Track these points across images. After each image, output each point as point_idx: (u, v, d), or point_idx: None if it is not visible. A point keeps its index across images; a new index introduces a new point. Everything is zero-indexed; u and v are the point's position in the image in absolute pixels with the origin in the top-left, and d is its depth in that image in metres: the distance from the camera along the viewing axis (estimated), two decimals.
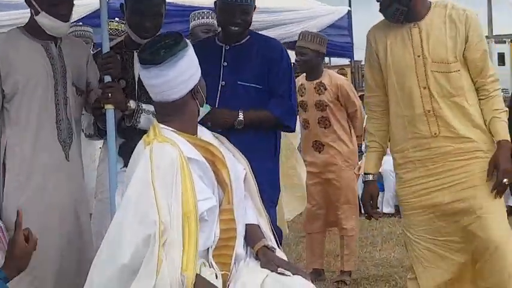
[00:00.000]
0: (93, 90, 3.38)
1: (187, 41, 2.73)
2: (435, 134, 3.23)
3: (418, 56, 3.23)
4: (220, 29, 3.63)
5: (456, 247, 3.26)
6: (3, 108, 3.14)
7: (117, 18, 5.65)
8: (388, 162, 7.45)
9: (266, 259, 2.67)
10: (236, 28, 3.43)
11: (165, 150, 2.54)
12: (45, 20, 3.17)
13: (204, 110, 2.77)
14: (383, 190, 7.93)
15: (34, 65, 3.17)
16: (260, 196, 2.88)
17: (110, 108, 3.21)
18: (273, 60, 3.50)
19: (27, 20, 3.28)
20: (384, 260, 5.97)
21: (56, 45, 3.25)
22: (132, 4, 3.39)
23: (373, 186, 3.47)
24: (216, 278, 2.52)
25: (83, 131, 3.56)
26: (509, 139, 3.19)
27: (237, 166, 2.80)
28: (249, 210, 2.82)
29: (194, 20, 4.83)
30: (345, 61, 15.33)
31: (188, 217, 2.45)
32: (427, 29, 3.25)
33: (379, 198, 7.99)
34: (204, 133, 2.81)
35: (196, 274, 2.41)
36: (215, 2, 3.56)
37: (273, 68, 3.49)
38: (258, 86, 3.46)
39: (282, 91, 3.49)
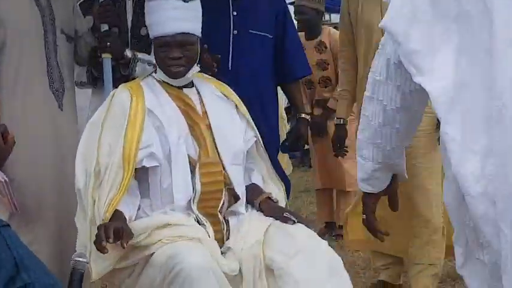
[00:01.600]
0: (82, 37, 3.34)
1: None
2: None
3: None
4: None
5: None
6: None
7: None
8: None
9: (270, 208, 2.70)
10: None
11: (121, 96, 2.65)
12: None
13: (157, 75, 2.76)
14: None
15: (22, 15, 3.10)
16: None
17: (107, 57, 3.18)
18: (280, 9, 3.59)
19: None
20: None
21: None
22: None
23: (343, 129, 3.95)
24: (200, 224, 2.54)
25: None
26: None
27: (237, 128, 2.80)
28: (254, 174, 2.85)
29: None
30: (337, 19, 15.16)
31: (128, 164, 2.49)
32: None
33: None
34: (204, 88, 2.80)
35: (113, 213, 2.43)
36: None
37: (281, 16, 3.57)
38: (268, 35, 3.52)
39: (293, 44, 3.64)
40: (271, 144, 3.44)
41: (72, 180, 2.75)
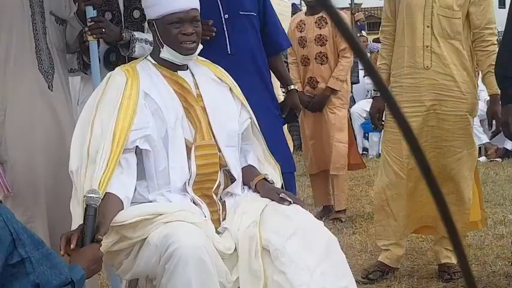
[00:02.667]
0: (67, 21, 3.29)
1: None
2: (427, 67, 3.70)
3: None
4: None
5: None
6: None
7: None
8: None
9: (266, 189, 2.70)
10: None
11: (116, 78, 2.65)
12: None
13: (161, 54, 2.71)
14: (380, 131, 7.95)
15: None
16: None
17: (92, 40, 3.14)
18: None
19: None
20: None
21: None
22: None
23: (381, 102, 3.93)
24: (195, 204, 2.55)
25: None
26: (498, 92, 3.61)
27: (232, 110, 2.79)
28: (249, 155, 2.85)
29: None
30: (345, 3, 15.22)
31: (117, 143, 2.48)
32: None
33: (377, 139, 8.14)
34: (199, 70, 2.79)
35: (106, 193, 2.41)
36: None
37: None
38: (254, 13, 3.54)
39: (274, 18, 3.67)
40: (277, 116, 3.57)
41: (67, 160, 2.76)
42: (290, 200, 2.61)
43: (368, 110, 8.07)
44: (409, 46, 3.73)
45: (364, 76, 8.45)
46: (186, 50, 2.68)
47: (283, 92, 4.01)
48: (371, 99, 8.28)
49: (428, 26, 3.68)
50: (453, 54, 3.69)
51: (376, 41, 9.43)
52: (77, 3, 3.25)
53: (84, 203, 2.28)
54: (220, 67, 2.90)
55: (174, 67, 2.74)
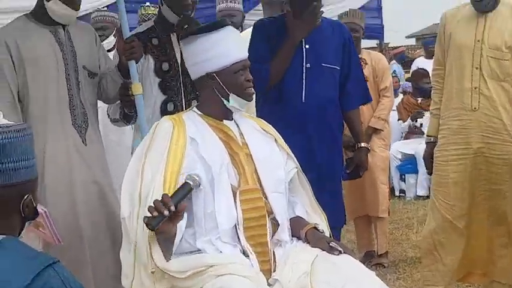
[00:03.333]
0: (107, 74, 3.33)
1: (227, 27, 2.75)
2: (475, 108, 3.67)
3: (478, 41, 3.68)
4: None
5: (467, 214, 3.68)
6: (19, 100, 3.13)
7: (148, 3, 5.65)
8: (422, 145, 7.50)
9: (316, 238, 2.66)
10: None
11: (163, 125, 2.69)
12: (55, 7, 3.13)
13: (231, 104, 2.74)
14: (417, 172, 7.86)
15: (43, 52, 3.13)
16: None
17: (139, 94, 3.18)
18: (346, 41, 3.69)
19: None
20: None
21: (64, 30, 3.21)
22: None
23: (433, 147, 3.90)
24: (245, 255, 2.53)
25: (108, 116, 3.54)
26: None
27: (278, 159, 2.79)
28: (297, 207, 2.84)
29: (219, 3, 4.89)
30: (372, 43, 15.24)
31: (169, 186, 2.50)
32: (492, 19, 3.68)
33: (413, 181, 8.02)
34: (243, 121, 2.81)
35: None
36: None
37: (347, 49, 3.68)
38: (337, 67, 3.62)
39: (356, 72, 3.75)
40: (337, 172, 3.63)
41: (104, 208, 2.83)
42: (340, 249, 2.57)
43: (402, 151, 8.11)
44: (457, 88, 3.72)
45: (398, 120, 8.39)
46: (249, 95, 2.77)
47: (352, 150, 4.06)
48: (405, 141, 8.28)
49: (477, 68, 3.66)
50: (502, 96, 3.65)
51: (409, 80, 9.40)
52: (117, 55, 3.31)
53: (185, 178, 2.45)
54: (263, 120, 2.93)
55: (220, 117, 2.75)
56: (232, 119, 2.79)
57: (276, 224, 2.67)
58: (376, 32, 8.43)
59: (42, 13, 3.17)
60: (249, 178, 2.65)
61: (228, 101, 2.72)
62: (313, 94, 3.51)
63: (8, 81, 3.10)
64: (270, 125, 2.90)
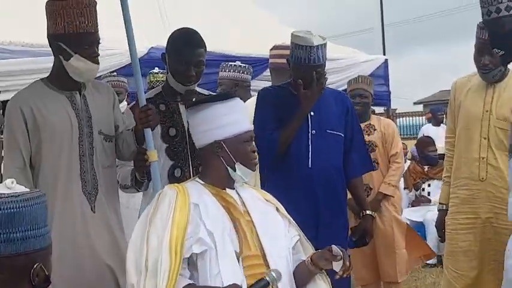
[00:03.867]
0: (122, 133, 3.32)
1: (236, 99, 2.82)
2: (482, 178, 3.69)
3: (486, 111, 3.71)
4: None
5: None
6: (31, 165, 3.11)
7: (156, 68, 5.70)
8: (430, 212, 7.44)
9: (318, 254, 2.70)
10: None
11: (167, 193, 2.71)
12: (79, 64, 3.07)
13: (237, 174, 2.76)
14: (425, 240, 7.76)
15: (58, 120, 3.10)
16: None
17: (154, 161, 3.18)
18: (348, 109, 3.79)
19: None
20: None
21: (80, 95, 3.18)
22: (177, 53, 3.38)
23: (445, 215, 3.90)
24: None
25: (118, 182, 3.52)
26: None
27: (279, 227, 2.81)
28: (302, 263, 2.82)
29: (222, 71, 4.98)
30: (379, 109, 15.31)
31: (175, 254, 2.51)
32: (500, 90, 3.73)
33: None
34: (244, 190, 2.83)
35: None
36: (287, 59, 3.75)
37: (349, 117, 3.77)
38: (341, 134, 3.71)
39: (358, 140, 3.84)
40: (343, 239, 3.63)
41: (107, 281, 2.81)
42: (341, 254, 2.63)
43: (410, 218, 8.04)
44: (466, 157, 3.75)
45: (404, 188, 8.36)
46: (255, 165, 2.80)
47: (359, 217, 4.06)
48: (413, 208, 8.21)
49: (485, 138, 3.68)
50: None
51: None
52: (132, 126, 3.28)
53: (265, 273, 2.51)
54: (265, 192, 2.95)
55: (222, 186, 2.78)
56: (234, 188, 2.81)
57: None
58: (384, 98, 8.45)
59: (58, 77, 3.15)
60: (251, 244, 2.67)
61: (234, 170, 2.74)
62: (319, 160, 3.58)
63: (20, 148, 3.08)
64: (270, 194, 2.92)
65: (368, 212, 3.90)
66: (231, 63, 5.02)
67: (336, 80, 7.21)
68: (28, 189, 1.96)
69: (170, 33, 3.50)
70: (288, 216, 2.87)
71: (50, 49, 3.16)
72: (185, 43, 3.37)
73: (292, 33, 3.71)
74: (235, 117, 2.77)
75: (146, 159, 3.18)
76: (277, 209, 2.87)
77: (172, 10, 6.75)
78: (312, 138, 3.61)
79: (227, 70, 4.94)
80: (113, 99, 3.35)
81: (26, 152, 3.08)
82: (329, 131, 3.66)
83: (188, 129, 3.30)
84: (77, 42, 3.06)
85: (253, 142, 2.79)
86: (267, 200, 2.88)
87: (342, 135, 3.72)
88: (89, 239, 3.10)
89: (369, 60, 7.80)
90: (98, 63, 3.14)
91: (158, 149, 3.29)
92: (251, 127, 2.81)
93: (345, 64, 7.46)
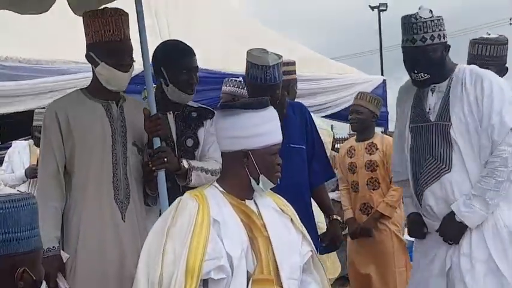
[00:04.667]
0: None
1: (271, 108, 2.74)
2: None
3: None
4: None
5: None
6: (66, 171, 3.14)
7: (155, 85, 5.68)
8: None
9: None
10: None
11: (187, 204, 2.61)
12: (104, 71, 3.14)
13: (259, 186, 2.69)
14: None
15: (92, 126, 3.14)
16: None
17: (162, 170, 3.17)
18: (307, 120, 3.82)
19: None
20: None
21: (117, 105, 3.22)
22: (177, 63, 3.39)
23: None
24: None
25: None
26: None
27: (295, 243, 2.76)
28: (312, 285, 2.79)
29: (224, 85, 5.06)
30: (377, 130, 15.30)
31: (192, 275, 2.43)
32: None
33: None
34: (262, 200, 2.77)
35: None
36: (243, 77, 3.82)
37: (309, 128, 3.82)
38: (303, 147, 3.72)
39: (319, 149, 3.89)
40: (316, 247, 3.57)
41: None
42: None
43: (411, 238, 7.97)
44: None
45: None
46: (277, 178, 2.73)
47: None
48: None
49: None
50: None
51: None
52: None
53: None
54: (282, 198, 2.87)
55: (241, 196, 2.70)
56: (252, 198, 2.74)
57: None
58: (382, 119, 8.40)
59: (95, 87, 3.22)
60: (264, 267, 2.59)
61: (257, 182, 2.67)
62: (285, 176, 3.42)
63: (54, 153, 3.13)
64: (285, 201, 2.86)
65: (334, 216, 3.92)
66: (234, 78, 5.06)
67: (332, 98, 7.24)
68: (17, 192, 1.92)
69: (157, 49, 3.50)
70: (302, 228, 2.81)
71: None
72: (182, 52, 3.41)
73: (247, 52, 3.69)
74: (266, 128, 2.68)
75: (151, 169, 3.17)
76: (291, 220, 2.80)
77: (170, 29, 6.74)
78: None
79: (227, 85, 5.00)
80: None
81: (60, 158, 3.12)
82: (292, 145, 3.65)
83: (176, 140, 3.29)
84: (103, 51, 3.13)
85: (278, 155, 2.73)
86: (282, 211, 2.79)
87: (304, 147, 3.75)
88: (119, 247, 3.10)
89: (367, 80, 7.77)
90: (126, 71, 3.16)
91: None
92: (280, 139, 2.74)
93: (343, 83, 7.45)
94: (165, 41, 3.54)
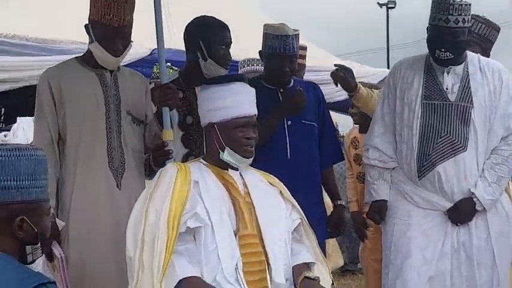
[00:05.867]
0: (149, 124, 3.34)
1: (240, 83, 2.81)
2: None
3: None
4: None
5: None
6: (60, 139, 3.17)
7: (169, 63, 5.69)
8: None
9: (307, 286, 2.68)
10: (287, 78, 3.71)
11: (168, 171, 2.74)
12: (96, 51, 3.19)
13: (224, 157, 2.77)
14: None
15: (84, 93, 3.17)
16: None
17: (169, 140, 3.18)
18: (320, 100, 3.83)
19: None
20: None
21: (111, 75, 3.25)
22: (218, 37, 3.40)
23: None
24: None
25: None
26: None
27: (280, 211, 2.83)
28: (302, 254, 2.83)
29: (244, 67, 4.99)
30: None
31: (172, 228, 2.54)
32: None
33: None
34: (249, 173, 2.86)
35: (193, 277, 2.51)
36: (260, 51, 3.77)
37: (321, 108, 3.81)
38: (315, 124, 3.73)
39: (330, 131, 3.88)
40: (323, 231, 3.63)
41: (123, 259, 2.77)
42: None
43: None
44: None
45: None
46: (248, 153, 2.78)
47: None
48: None
49: None
50: None
51: None
52: (156, 106, 3.30)
53: None
54: (272, 176, 2.95)
55: (225, 168, 2.80)
56: (238, 169, 2.82)
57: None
58: None
59: (90, 57, 3.24)
60: (248, 224, 2.68)
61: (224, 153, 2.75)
62: (297, 150, 3.60)
63: (47, 121, 3.16)
64: (276, 178, 2.93)
65: (339, 202, 3.90)
66: (248, 58, 5.03)
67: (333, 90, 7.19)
68: (24, 144, 1.93)
69: (193, 23, 3.50)
70: (292, 199, 2.89)
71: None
72: (222, 26, 3.45)
73: (264, 25, 3.73)
74: (233, 101, 2.76)
75: (165, 146, 3.17)
76: (280, 192, 2.88)
77: (175, 13, 6.76)
78: (288, 129, 3.63)
79: (244, 66, 4.99)
80: (146, 87, 3.41)
81: (53, 126, 3.15)
82: (304, 121, 3.69)
83: None
84: (99, 32, 3.16)
85: (251, 129, 2.78)
86: (271, 184, 2.88)
87: (316, 125, 3.76)
88: (114, 214, 3.13)
89: (370, 74, 7.75)
90: (117, 56, 3.18)
91: (175, 137, 3.28)
92: (248, 113, 2.79)
93: None
94: (201, 16, 3.51)
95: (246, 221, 2.69)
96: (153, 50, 6.19)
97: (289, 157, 3.59)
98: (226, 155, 2.76)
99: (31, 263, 1.93)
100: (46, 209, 1.97)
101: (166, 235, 2.52)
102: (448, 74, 3.55)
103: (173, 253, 2.52)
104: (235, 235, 2.65)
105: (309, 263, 2.82)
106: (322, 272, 2.85)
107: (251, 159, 2.82)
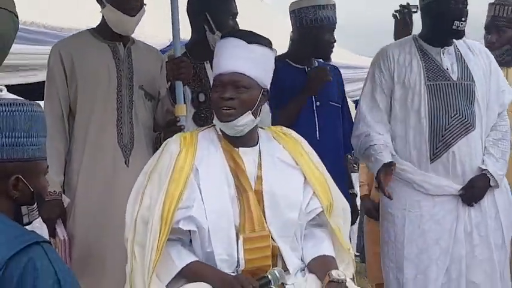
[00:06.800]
0: (161, 100, 3.22)
1: (229, 39, 2.53)
2: None
3: None
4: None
5: None
6: (71, 112, 3.09)
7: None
8: None
9: None
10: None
11: (170, 147, 2.49)
12: (110, 14, 3.06)
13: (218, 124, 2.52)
14: None
15: (96, 66, 3.07)
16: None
17: (182, 115, 3.06)
18: (341, 82, 3.82)
19: None
20: None
21: (124, 47, 3.15)
22: (224, 8, 3.33)
23: None
24: None
25: None
26: None
27: (295, 199, 2.53)
28: (324, 244, 2.57)
29: None
30: None
31: (165, 222, 2.34)
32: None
33: None
34: (269, 148, 2.57)
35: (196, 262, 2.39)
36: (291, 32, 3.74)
37: (341, 87, 3.84)
38: (340, 106, 3.71)
39: (349, 115, 3.85)
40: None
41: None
42: (340, 277, 2.36)
43: None
44: None
45: None
46: (223, 115, 2.44)
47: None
48: None
49: None
50: None
51: None
52: (169, 83, 3.16)
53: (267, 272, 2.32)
54: (306, 143, 2.70)
55: (235, 141, 2.52)
56: (257, 143, 2.56)
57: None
58: None
59: (103, 28, 3.14)
60: (256, 223, 2.42)
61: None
62: (326, 132, 3.58)
63: (58, 93, 3.08)
64: (311, 151, 2.69)
65: (352, 190, 3.88)
66: None
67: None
68: (20, 99, 1.87)
69: None
70: (317, 185, 2.57)
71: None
72: None
73: (292, 3, 3.66)
74: (216, 60, 2.51)
75: (177, 121, 3.05)
76: (304, 176, 2.56)
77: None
78: (317, 110, 3.60)
79: None
80: (161, 63, 3.26)
81: (64, 99, 3.07)
82: (331, 103, 3.67)
83: None
84: None
85: (229, 88, 2.43)
86: (296, 163, 2.57)
87: (340, 106, 3.75)
88: (121, 190, 2.95)
89: None
90: (132, 15, 3.05)
91: (187, 114, 3.17)
92: (223, 71, 2.45)
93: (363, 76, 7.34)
94: None
95: (254, 219, 2.42)
96: (172, 42, 6.17)
97: (318, 138, 3.52)
98: (216, 121, 2.50)
99: (27, 224, 1.86)
100: (43, 168, 1.89)
101: (158, 230, 2.33)
102: (443, 54, 3.50)
103: (166, 245, 2.34)
104: (238, 234, 2.40)
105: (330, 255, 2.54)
106: (344, 264, 2.56)
107: (232, 123, 2.44)
